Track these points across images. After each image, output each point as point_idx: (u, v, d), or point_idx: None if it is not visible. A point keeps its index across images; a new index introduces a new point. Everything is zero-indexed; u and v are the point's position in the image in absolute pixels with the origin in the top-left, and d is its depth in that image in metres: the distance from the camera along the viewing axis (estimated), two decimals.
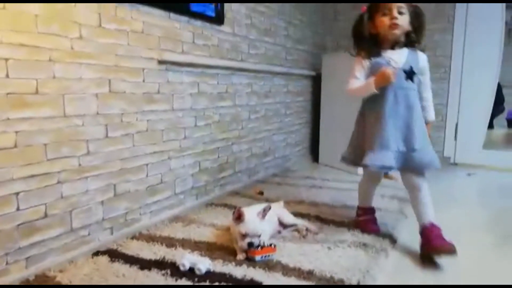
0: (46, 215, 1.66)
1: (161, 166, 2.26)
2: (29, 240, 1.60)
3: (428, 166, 1.93)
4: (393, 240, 2.08)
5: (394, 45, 1.96)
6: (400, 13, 1.88)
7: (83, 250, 1.81)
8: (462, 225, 2.37)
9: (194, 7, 2.41)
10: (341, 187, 3.12)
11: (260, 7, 3.15)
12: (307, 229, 2.13)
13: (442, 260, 1.84)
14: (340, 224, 2.27)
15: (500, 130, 7.42)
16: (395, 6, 1.87)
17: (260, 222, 1.83)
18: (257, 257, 1.75)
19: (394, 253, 1.96)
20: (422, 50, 2.04)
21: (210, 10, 2.56)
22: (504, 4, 3.89)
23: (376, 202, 2.72)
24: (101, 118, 1.87)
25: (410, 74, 1.93)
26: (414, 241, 2.13)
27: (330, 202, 2.69)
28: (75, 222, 1.79)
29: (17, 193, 1.55)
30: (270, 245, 1.81)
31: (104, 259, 1.77)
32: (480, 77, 4.00)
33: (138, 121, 2.08)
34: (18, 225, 1.56)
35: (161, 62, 2.19)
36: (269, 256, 1.77)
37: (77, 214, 1.79)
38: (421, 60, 1.99)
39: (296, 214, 2.36)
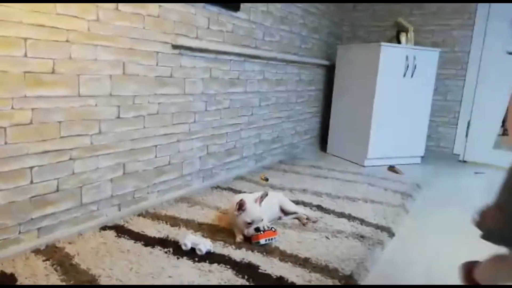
0: (57, 189, 1.75)
1: (170, 148, 2.33)
2: (41, 212, 1.70)
3: None
4: (391, 234, 2.13)
5: None
6: None
7: (91, 224, 1.90)
8: (463, 222, 2.39)
9: None
10: (346, 178, 3.15)
11: None
12: (307, 218, 2.19)
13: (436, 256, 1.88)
14: (340, 215, 2.32)
15: None
16: None
17: (259, 208, 1.91)
18: (262, 241, 1.83)
19: (390, 246, 2.01)
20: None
21: None
22: None
23: (379, 195, 2.77)
24: (114, 99, 1.94)
25: None
26: (412, 235, 2.18)
27: (333, 193, 2.74)
28: (85, 198, 1.88)
29: (31, 168, 1.63)
30: (271, 228, 1.89)
31: (111, 233, 1.86)
32: (497, 77, 3.93)
33: (150, 103, 2.14)
34: (31, 197, 1.65)
35: (175, 46, 2.23)
36: (272, 239, 1.86)
37: (87, 190, 1.88)
38: None
39: (299, 203, 2.42)
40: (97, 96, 1.85)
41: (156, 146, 2.23)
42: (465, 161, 4.18)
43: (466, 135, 4.15)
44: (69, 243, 1.73)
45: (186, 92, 2.37)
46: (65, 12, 1.66)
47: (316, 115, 4.22)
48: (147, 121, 2.14)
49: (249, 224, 1.85)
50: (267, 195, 1.98)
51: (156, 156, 2.24)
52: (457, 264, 1.87)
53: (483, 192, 3.19)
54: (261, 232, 1.84)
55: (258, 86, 3.09)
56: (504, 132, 6.34)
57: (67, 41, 1.69)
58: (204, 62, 2.48)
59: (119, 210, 2.07)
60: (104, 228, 1.91)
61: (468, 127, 4.13)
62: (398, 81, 3.60)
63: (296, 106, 3.75)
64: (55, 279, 1.45)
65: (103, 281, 1.45)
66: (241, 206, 1.87)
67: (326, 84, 4.25)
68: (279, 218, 2.17)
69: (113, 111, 1.94)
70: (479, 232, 1.20)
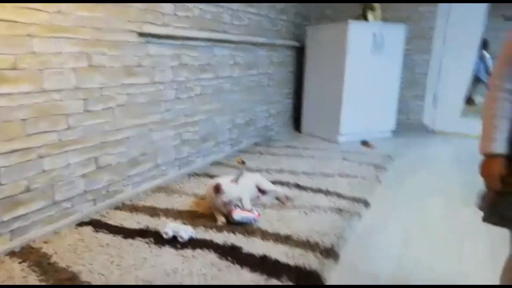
0: (28, 189, 1.69)
1: (142, 138, 2.29)
2: (12, 214, 1.64)
3: None
4: (367, 204, 2.19)
5: None
6: None
7: (67, 221, 1.86)
8: (433, 188, 2.49)
9: None
10: (320, 156, 3.20)
11: None
12: (286, 196, 2.22)
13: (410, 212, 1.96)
14: (317, 191, 2.36)
15: (480, 99, 7.56)
16: None
17: (236, 187, 1.94)
18: (236, 216, 1.85)
19: (367, 216, 2.08)
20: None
21: None
22: None
23: (353, 169, 2.84)
24: (80, 92, 1.87)
25: None
26: (386, 205, 2.25)
27: (309, 170, 2.78)
28: (57, 195, 1.82)
29: None
30: (251, 210, 1.92)
31: (88, 229, 1.83)
32: (461, 48, 4.06)
33: (118, 94, 2.08)
34: (0, 199, 1.59)
35: (141, 34, 2.17)
36: (250, 219, 1.87)
37: (60, 187, 1.83)
38: None
39: (276, 183, 2.44)
40: (62, 90, 1.78)
41: (128, 137, 2.18)
42: (434, 131, 4.33)
43: (434, 106, 4.29)
44: (45, 242, 1.69)
45: (155, 81, 2.33)
46: (25, 4, 1.58)
47: (288, 96, 4.23)
48: (117, 112, 2.09)
49: (228, 204, 1.88)
50: (242, 174, 2.01)
51: (128, 148, 2.20)
52: (430, 227, 1.96)
53: (452, 157, 3.33)
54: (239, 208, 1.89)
55: (230, 71, 3.06)
56: (468, 101, 6.59)
57: (28, 35, 1.61)
58: (172, 49, 2.43)
59: (95, 205, 2.03)
60: (80, 224, 1.87)
61: (435, 98, 4.26)
62: (366, 58, 3.65)
63: (268, 88, 3.75)
64: (33, 280, 1.42)
65: (84, 277, 1.43)
66: (218, 189, 1.89)
67: (297, 65, 4.26)
68: (258, 197, 2.19)
69: (80, 104, 1.88)
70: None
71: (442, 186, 2.55)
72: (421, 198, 2.36)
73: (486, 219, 1.12)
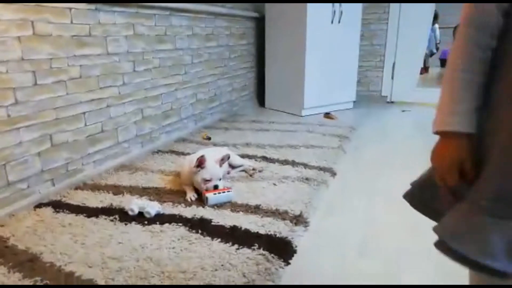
0: None
1: (100, 114, 2.17)
2: None
3: None
4: (333, 173, 2.23)
5: None
6: None
7: (23, 203, 1.74)
8: (395, 155, 2.58)
9: None
10: (286, 129, 3.21)
11: None
12: (253, 169, 2.21)
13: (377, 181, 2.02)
14: (284, 162, 2.37)
15: (435, 70, 7.90)
16: None
17: (219, 168, 1.91)
18: (211, 201, 1.79)
19: (333, 184, 2.12)
20: None
21: None
22: None
23: (318, 140, 2.87)
24: (27, 64, 1.72)
25: None
26: (351, 173, 2.31)
27: (275, 143, 2.78)
28: (11, 176, 1.70)
29: None
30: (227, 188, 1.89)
31: (48, 210, 1.72)
32: (417, 17, 4.16)
33: (70, 66, 1.94)
34: None
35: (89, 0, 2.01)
36: (226, 197, 1.82)
37: (13, 167, 1.70)
38: None
39: (243, 156, 2.42)
40: (6, 62, 1.63)
41: (84, 113, 2.06)
42: (392, 102, 4.46)
43: (392, 77, 4.41)
44: (1, 225, 1.58)
45: (109, 52, 2.19)
46: None
47: (251, 70, 4.18)
48: (70, 86, 1.95)
49: (207, 181, 1.83)
50: (229, 158, 1.98)
51: (86, 124, 2.08)
52: (394, 191, 2.03)
53: (410, 126, 3.46)
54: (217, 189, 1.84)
55: (188, 42, 2.95)
56: (422, 71, 6.83)
57: None
58: (125, 18, 2.28)
59: (53, 185, 1.91)
60: (39, 206, 1.76)
61: (393, 69, 4.38)
62: (326, 29, 3.65)
63: (230, 62, 3.67)
64: None
65: (46, 258, 1.35)
66: (201, 163, 1.84)
67: (258, 37, 4.19)
68: (228, 173, 2.16)
69: (28, 77, 1.73)
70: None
71: (403, 153, 2.65)
72: (384, 165, 2.44)
73: (411, 201, 0.88)
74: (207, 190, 1.82)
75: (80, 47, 1.99)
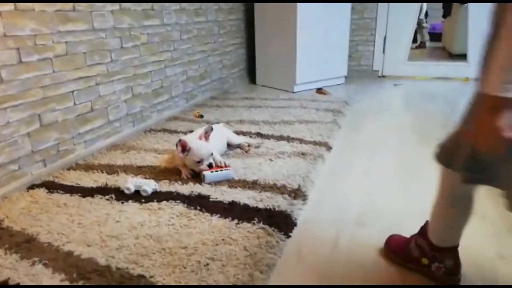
0: None
1: (89, 93, 2.11)
2: None
3: None
4: (328, 147, 2.22)
5: None
6: None
7: (16, 185, 1.70)
8: (390, 128, 2.58)
9: None
10: (279, 105, 3.18)
11: None
12: (249, 145, 2.19)
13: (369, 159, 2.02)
14: (279, 138, 2.35)
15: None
16: None
17: (206, 144, 1.85)
18: (208, 179, 1.75)
19: (329, 158, 2.11)
20: None
21: None
22: None
23: (312, 115, 2.85)
24: (9, 40, 1.64)
25: None
26: (347, 147, 2.31)
27: (269, 119, 2.75)
28: (1, 157, 1.64)
29: None
30: (225, 164, 1.86)
31: (41, 191, 1.69)
32: None
33: (55, 43, 1.86)
34: None
35: None
36: (223, 175, 1.79)
37: (2, 148, 1.65)
38: None
39: (238, 133, 2.39)
40: None
41: (72, 92, 1.99)
42: (384, 76, 4.45)
43: (383, 51, 4.37)
44: None
45: (95, 28, 2.10)
46: None
47: (241, 46, 4.09)
48: (56, 64, 1.88)
49: (199, 162, 1.79)
50: (212, 129, 1.90)
51: (75, 103, 2.02)
52: (389, 163, 2.04)
53: (403, 99, 3.46)
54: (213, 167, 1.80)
55: (176, 18, 2.86)
56: (419, 45, 6.79)
57: None
58: None
59: (45, 166, 1.86)
60: (31, 187, 1.72)
61: (384, 43, 4.33)
62: (317, 3, 3.57)
63: (220, 38, 3.58)
64: None
65: (43, 238, 1.33)
66: (184, 148, 1.79)
67: (247, 12, 4.08)
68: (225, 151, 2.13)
69: (12, 54, 1.66)
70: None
71: (397, 126, 2.65)
72: (379, 139, 2.44)
73: (469, 180, 0.88)
74: (201, 171, 1.79)
75: (64, 22, 1.90)
